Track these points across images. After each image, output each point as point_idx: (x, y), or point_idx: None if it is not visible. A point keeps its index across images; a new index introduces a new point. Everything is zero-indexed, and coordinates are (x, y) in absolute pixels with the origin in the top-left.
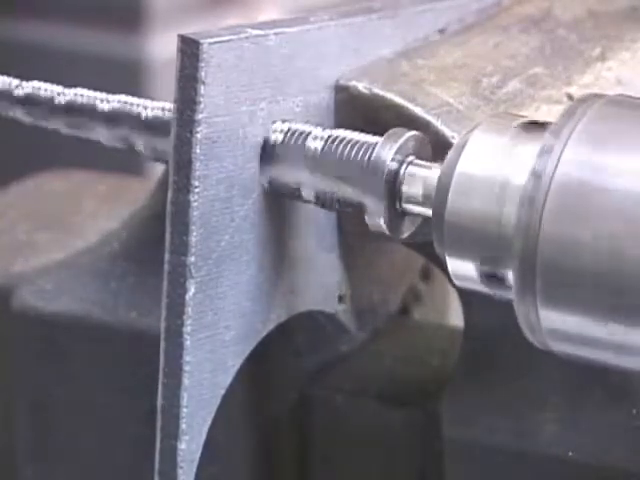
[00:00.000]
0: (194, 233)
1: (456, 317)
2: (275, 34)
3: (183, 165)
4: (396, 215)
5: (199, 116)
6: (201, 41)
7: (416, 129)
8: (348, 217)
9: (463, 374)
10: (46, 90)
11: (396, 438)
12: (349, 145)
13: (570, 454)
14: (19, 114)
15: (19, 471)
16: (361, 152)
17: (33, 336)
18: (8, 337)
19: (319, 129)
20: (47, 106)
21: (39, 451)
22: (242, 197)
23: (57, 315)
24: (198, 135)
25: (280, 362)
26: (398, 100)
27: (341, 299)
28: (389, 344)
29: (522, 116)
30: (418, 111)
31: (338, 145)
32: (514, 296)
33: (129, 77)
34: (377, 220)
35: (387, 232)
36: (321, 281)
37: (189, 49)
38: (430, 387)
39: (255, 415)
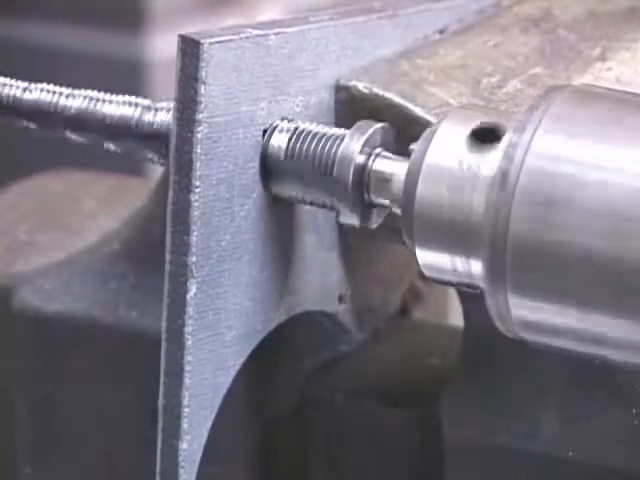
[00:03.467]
0: (195, 233)
1: (456, 317)
2: (275, 34)
3: (184, 165)
4: (365, 207)
5: (199, 116)
6: (201, 41)
7: (416, 129)
8: None
9: (463, 374)
10: (11, 87)
11: (396, 438)
12: (316, 138)
13: (570, 454)
14: None
15: (19, 471)
16: (328, 145)
17: (33, 336)
18: (8, 337)
19: (285, 122)
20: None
21: (39, 451)
22: (243, 197)
23: (57, 315)
24: (198, 135)
25: (280, 362)
26: (398, 100)
27: (341, 299)
28: (389, 344)
29: (491, 108)
30: (418, 111)
31: (304, 139)
32: (484, 285)
33: (129, 77)
34: (346, 212)
35: (357, 224)
36: (321, 281)
37: (189, 49)
38: (430, 387)
39: (255, 415)
